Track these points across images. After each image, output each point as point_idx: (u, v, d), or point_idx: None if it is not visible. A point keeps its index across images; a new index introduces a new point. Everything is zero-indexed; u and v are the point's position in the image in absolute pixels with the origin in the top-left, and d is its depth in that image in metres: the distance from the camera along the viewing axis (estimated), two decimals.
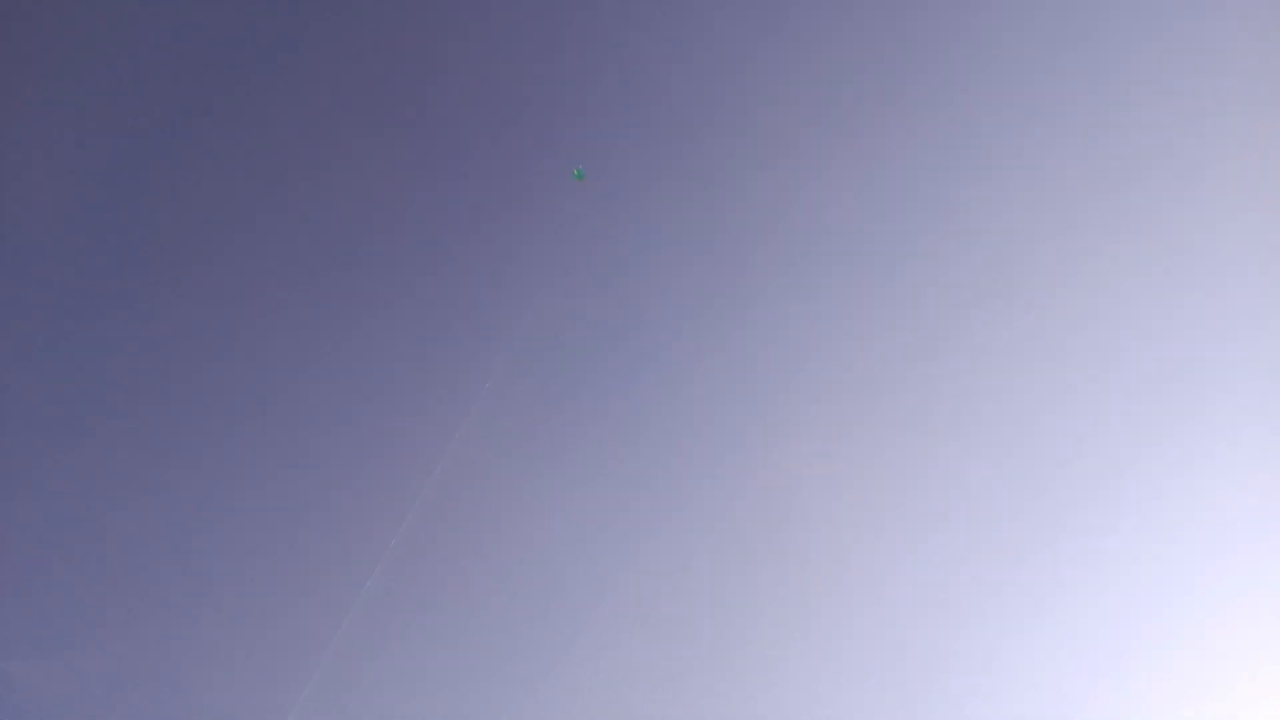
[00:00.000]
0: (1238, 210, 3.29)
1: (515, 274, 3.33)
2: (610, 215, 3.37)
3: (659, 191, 3.37)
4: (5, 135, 3.19)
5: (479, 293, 3.33)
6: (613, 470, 3.29)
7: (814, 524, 3.25)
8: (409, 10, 3.35)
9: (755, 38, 3.36)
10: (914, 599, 3.19)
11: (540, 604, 3.19)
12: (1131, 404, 3.27)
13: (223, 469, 3.19)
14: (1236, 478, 3.20)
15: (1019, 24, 3.39)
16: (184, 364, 3.22)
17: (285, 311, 3.27)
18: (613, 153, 3.38)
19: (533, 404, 3.29)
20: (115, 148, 3.25)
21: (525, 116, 3.36)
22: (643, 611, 3.21)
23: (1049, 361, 3.31)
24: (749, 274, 3.36)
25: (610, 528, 3.25)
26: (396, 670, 3.13)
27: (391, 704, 3.09)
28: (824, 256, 3.36)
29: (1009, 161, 3.37)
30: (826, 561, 3.22)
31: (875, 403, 3.32)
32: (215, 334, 3.24)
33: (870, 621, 3.19)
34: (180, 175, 3.27)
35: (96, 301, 3.21)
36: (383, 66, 3.33)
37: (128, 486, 3.15)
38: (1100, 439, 3.27)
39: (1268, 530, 3.15)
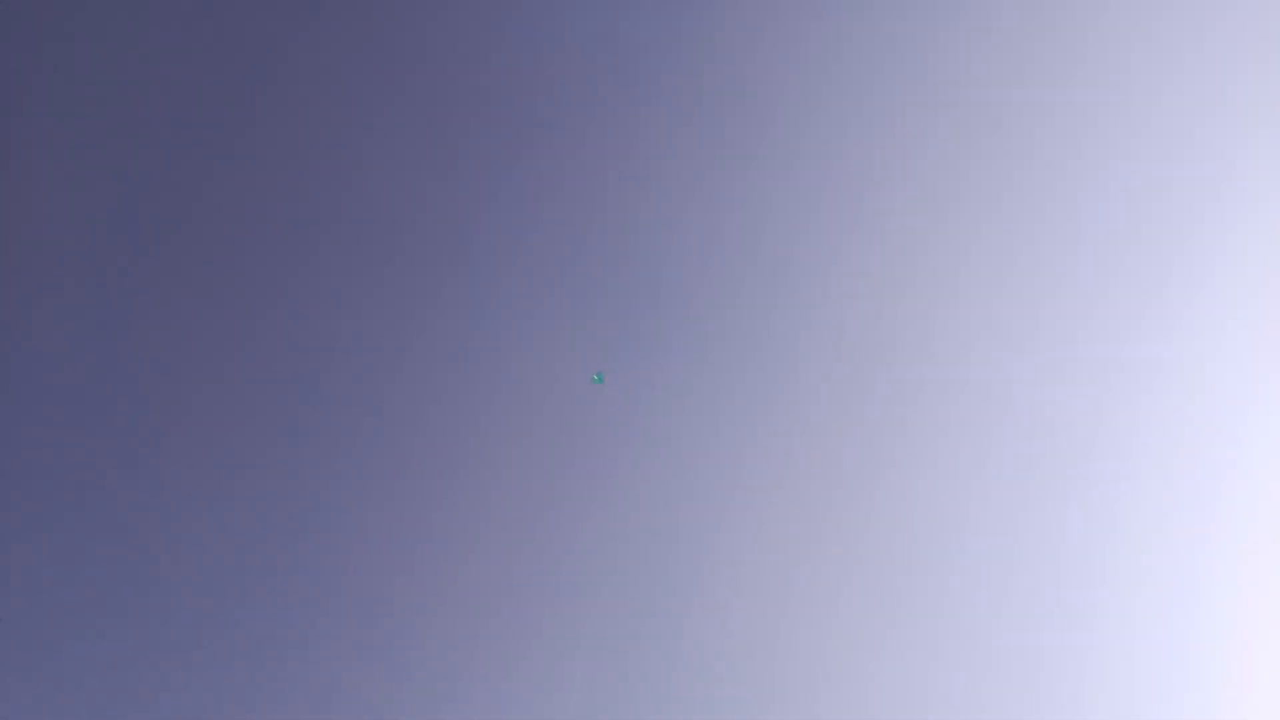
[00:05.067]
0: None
1: (514, 273, 3.34)
2: (607, 214, 3.37)
3: (655, 189, 3.37)
4: (6, 134, 3.21)
5: (479, 292, 3.33)
6: (613, 469, 3.29)
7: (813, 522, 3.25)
8: (407, 11, 3.36)
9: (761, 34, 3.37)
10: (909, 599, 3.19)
11: (538, 604, 3.20)
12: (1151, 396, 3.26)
13: (221, 468, 3.20)
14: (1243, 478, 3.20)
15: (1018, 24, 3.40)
16: (180, 361, 3.23)
17: (283, 310, 3.28)
18: (610, 149, 3.39)
19: (530, 403, 3.30)
20: (114, 146, 3.26)
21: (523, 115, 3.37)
22: (640, 612, 3.21)
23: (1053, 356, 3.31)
24: (747, 272, 3.36)
25: (610, 527, 3.25)
26: (394, 670, 3.13)
27: (390, 704, 3.10)
28: (824, 255, 3.36)
29: (1016, 159, 3.37)
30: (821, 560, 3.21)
31: (873, 400, 3.31)
32: (212, 333, 3.25)
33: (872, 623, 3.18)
34: (178, 173, 3.28)
35: (98, 301, 3.22)
36: (381, 66, 3.34)
37: (125, 485, 3.16)
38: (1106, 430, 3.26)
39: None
